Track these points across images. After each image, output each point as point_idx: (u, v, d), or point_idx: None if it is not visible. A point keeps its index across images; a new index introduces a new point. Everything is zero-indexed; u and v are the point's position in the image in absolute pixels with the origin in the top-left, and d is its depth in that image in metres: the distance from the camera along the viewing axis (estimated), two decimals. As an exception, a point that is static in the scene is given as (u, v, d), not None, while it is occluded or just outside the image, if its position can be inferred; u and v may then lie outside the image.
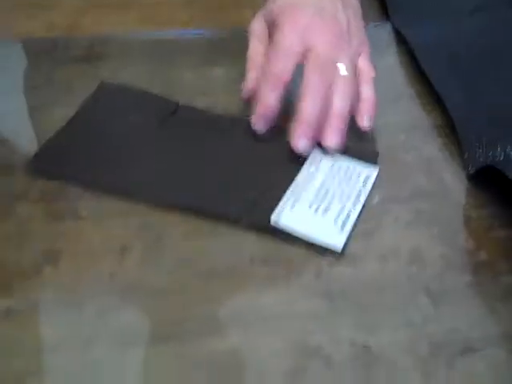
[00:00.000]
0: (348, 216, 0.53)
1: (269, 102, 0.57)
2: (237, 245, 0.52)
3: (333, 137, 0.56)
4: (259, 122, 0.57)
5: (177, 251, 0.51)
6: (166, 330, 0.46)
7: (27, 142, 0.59)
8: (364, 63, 0.62)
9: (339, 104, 0.57)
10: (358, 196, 0.55)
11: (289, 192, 0.54)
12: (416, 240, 0.53)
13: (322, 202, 0.54)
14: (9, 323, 0.46)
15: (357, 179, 0.56)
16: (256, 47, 0.62)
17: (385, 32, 0.74)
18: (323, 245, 0.51)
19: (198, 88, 0.65)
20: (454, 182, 0.57)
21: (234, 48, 0.67)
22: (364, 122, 0.59)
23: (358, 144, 0.59)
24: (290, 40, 0.57)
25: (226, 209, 0.53)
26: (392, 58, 0.71)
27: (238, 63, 0.63)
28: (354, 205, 0.54)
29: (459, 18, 0.72)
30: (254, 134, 0.58)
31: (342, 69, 0.58)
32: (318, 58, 0.57)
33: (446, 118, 0.62)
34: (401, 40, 0.72)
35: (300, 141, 0.56)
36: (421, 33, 0.70)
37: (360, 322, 0.47)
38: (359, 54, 0.61)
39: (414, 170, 0.59)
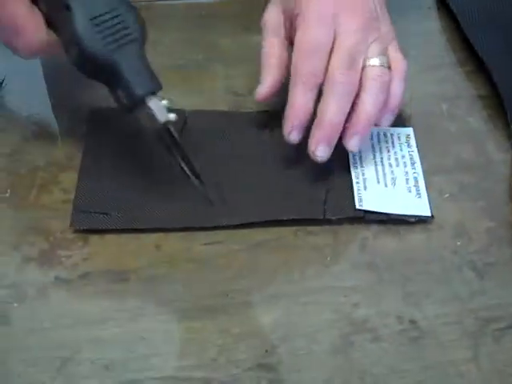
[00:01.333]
0: (416, 181, 0.53)
1: (303, 106, 0.51)
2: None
3: (357, 142, 0.51)
4: (293, 131, 0.51)
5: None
6: (212, 302, 0.47)
7: (66, 108, 0.59)
8: (395, 54, 0.54)
9: (369, 107, 0.51)
10: (411, 158, 0.55)
11: (353, 176, 0.53)
12: (460, 213, 0.53)
13: (385, 174, 0.54)
14: (57, 293, 0.47)
15: (399, 141, 0.56)
16: (272, 42, 0.55)
17: (425, -5, 0.72)
18: (412, 216, 0.51)
19: (236, 55, 0.65)
20: (498, 154, 0.57)
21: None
22: (382, 121, 0.53)
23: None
24: (316, 33, 0.51)
25: (311, 213, 0.51)
26: (433, 22, 0.70)
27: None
28: (414, 168, 0.54)
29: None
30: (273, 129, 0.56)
31: (374, 60, 0.52)
32: (346, 51, 0.51)
33: (490, 88, 0.61)
34: (443, 3, 0.70)
35: (319, 148, 0.50)
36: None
37: (406, 296, 0.47)
38: (389, 43, 0.54)
39: (458, 141, 0.58)
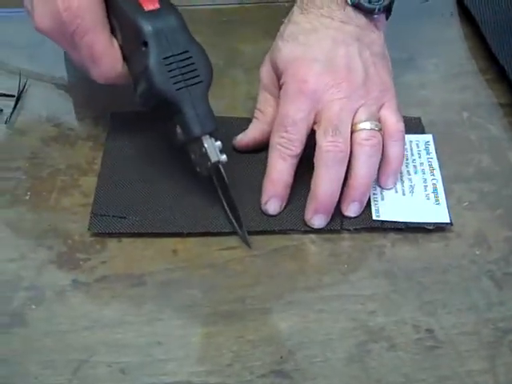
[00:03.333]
0: (435, 187, 0.53)
1: (279, 178, 0.51)
2: (299, 223, 0.51)
3: (355, 208, 0.51)
4: (270, 202, 0.51)
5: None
6: (228, 308, 0.47)
7: (86, 112, 0.59)
8: (388, 115, 0.52)
9: (361, 173, 0.50)
10: (430, 164, 0.55)
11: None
12: (480, 221, 0.52)
13: (403, 182, 0.53)
14: (75, 296, 0.47)
15: (418, 148, 0.56)
16: (264, 98, 0.56)
17: (447, 2, 0.72)
18: (430, 224, 0.51)
19: (257, 61, 0.64)
20: (519, 163, 0.56)
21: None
22: (388, 183, 0.53)
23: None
24: (297, 108, 0.51)
25: (328, 224, 0.51)
26: (455, 30, 0.69)
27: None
28: (433, 174, 0.54)
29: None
30: None
31: (362, 125, 0.50)
32: (330, 119, 0.50)
33: (511, 96, 0.61)
34: (465, 11, 0.70)
35: (315, 217, 0.50)
36: (486, 4, 0.68)
37: (423, 304, 0.47)
38: (381, 106, 0.52)
39: (478, 149, 0.58)
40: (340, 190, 0.50)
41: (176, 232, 0.50)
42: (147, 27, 0.47)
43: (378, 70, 0.53)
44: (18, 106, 0.59)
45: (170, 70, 0.47)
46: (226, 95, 0.62)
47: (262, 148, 0.55)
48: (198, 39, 0.66)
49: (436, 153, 0.55)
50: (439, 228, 0.51)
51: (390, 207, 0.52)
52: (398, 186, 0.53)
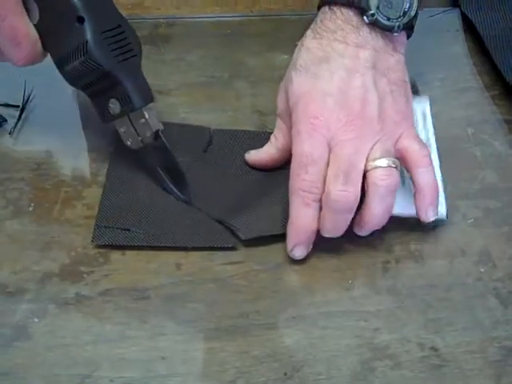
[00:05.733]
0: None
1: (303, 225, 0.49)
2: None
3: (366, 233, 0.50)
4: (296, 249, 0.49)
5: (244, 242, 0.51)
6: (232, 323, 0.46)
7: (91, 123, 0.59)
8: (409, 144, 0.50)
9: (373, 216, 0.48)
10: (427, 141, 0.54)
11: None
12: (485, 239, 0.52)
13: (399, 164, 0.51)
14: (78, 310, 0.47)
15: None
16: (279, 125, 0.54)
17: (453, 18, 0.72)
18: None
19: (261, 74, 0.65)
20: (524, 180, 0.56)
21: (298, 33, 0.66)
22: (428, 215, 0.50)
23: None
24: (312, 145, 0.48)
25: None
26: (460, 46, 0.69)
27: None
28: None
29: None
30: None
31: (377, 162, 0.48)
32: (341, 164, 0.48)
33: (517, 113, 0.61)
34: (470, 27, 0.70)
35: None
36: (491, 20, 0.69)
37: (427, 322, 0.47)
38: (398, 137, 0.50)
39: (483, 165, 0.57)
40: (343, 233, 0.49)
41: (180, 246, 0.50)
42: (83, 3, 0.48)
43: (395, 99, 0.51)
44: (22, 116, 0.59)
45: (109, 44, 0.48)
46: (229, 108, 0.62)
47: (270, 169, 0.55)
48: (202, 52, 0.67)
49: (440, 166, 0.54)
50: (444, 245, 0.51)
51: None
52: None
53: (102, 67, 0.48)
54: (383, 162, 0.48)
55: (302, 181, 0.48)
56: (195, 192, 0.53)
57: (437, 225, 0.52)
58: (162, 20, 0.70)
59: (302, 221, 0.49)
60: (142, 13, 0.71)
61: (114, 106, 0.50)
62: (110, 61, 0.48)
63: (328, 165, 0.48)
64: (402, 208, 0.51)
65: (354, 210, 0.48)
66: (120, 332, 0.46)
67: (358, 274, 0.50)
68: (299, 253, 0.49)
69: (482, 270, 0.50)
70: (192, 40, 0.68)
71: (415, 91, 0.57)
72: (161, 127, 0.52)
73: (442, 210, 0.51)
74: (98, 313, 0.47)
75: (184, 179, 0.53)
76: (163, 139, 0.52)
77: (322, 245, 0.50)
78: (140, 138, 0.51)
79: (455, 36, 0.70)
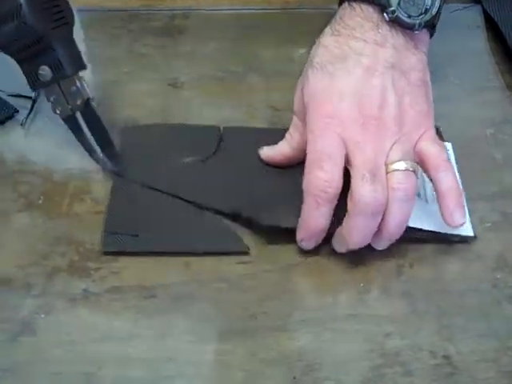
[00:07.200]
0: None
1: (314, 223, 0.47)
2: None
3: (386, 244, 0.48)
4: (304, 242, 0.49)
5: (254, 242, 0.50)
6: (240, 325, 0.46)
7: (102, 116, 0.58)
8: (428, 147, 0.48)
9: (393, 222, 0.46)
10: None
11: None
12: (502, 243, 0.51)
13: (426, 190, 0.51)
14: (85, 306, 0.46)
15: None
16: (295, 123, 0.52)
17: (474, 14, 0.71)
18: (454, 236, 0.50)
19: (277, 68, 0.64)
20: (544, 183, 0.55)
21: (316, 27, 0.65)
22: (455, 219, 0.48)
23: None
24: (327, 142, 0.47)
25: None
26: (481, 43, 0.68)
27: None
28: None
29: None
30: None
31: (395, 165, 0.47)
32: (367, 167, 0.46)
33: (538, 113, 0.59)
34: (491, 24, 0.68)
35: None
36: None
37: (440, 329, 0.46)
38: (418, 139, 0.48)
39: (502, 167, 0.56)
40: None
41: (190, 252, 0.49)
42: None
43: (415, 100, 0.49)
44: (34, 108, 0.58)
45: (43, 10, 0.49)
46: (243, 103, 0.61)
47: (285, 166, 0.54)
48: (217, 44, 0.66)
49: (458, 171, 0.53)
50: (459, 249, 0.50)
51: (414, 213, 0.48)
52: (422, 192, 0.51)
53: (35, 32, 0.48)
54: (401, 166, 0.46)
55: (317, 179, 0.46)
56: (208, 189, 0.52)
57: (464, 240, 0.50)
58: (178, 11, 0.69)
59: (314, 221, 0.48)
60: (158, 4, 0.70)
61: (45, 73, 0.50)
62: (44, 26, 0.49)
63: (344, 164, 0.47)
64: (419, 221, 0.49)
65: (382, 213, 0.46)
66: (127, 330, 0.45)
67: (371, 277, 0.49)
68: (307, 246, 0.49)
69: (498, 276, 0.49)
70: (207, 32, 0.67)
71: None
72: (91, 95, 0.52)
73: (469, 228, 0.50)
74: (105, 310, 0.46)
75: (113, 148, 0.54)
76: (93, 107, 0.53)
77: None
78: (70, 107, 0.52)
79: (476, 33, 0.68)
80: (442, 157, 0.48)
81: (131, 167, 0.54)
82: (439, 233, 0.50)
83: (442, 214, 0.48)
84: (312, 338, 0.45)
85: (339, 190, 0.46)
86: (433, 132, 0.50)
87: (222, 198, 0.52)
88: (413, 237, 0.49)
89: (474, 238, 0.50)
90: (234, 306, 0.47)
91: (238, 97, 0.61)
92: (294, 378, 0.43)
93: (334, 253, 0.49)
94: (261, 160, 0.55)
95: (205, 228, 0.51)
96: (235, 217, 0.51)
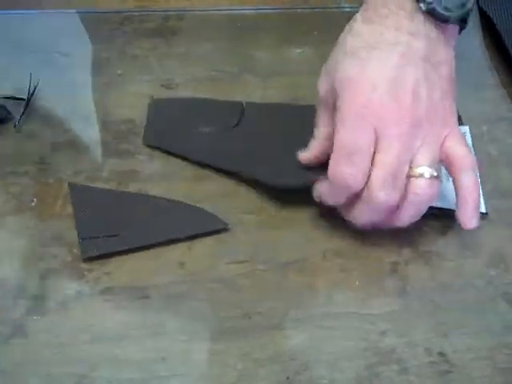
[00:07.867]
0: None
1: (334, 203, 0.48)
2: (310, 237, 0.50)
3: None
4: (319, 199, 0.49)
5: (248, 242, 0.50)
6: (234, 324, 0.45)
7: (95, 118, 0.58)
8: (456, 148, 0.47)
9: (406, 220, 0.47)
10: None
11: None
12: (497, 240, 0.50)
13: (442, 169, 0.49)
14: (78, 307, 0.46)
15: None
16: (322, 115, 0.50)
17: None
18: None
19: (271, 69, 0.63)
20: (540, 180, 0.54)
21: (312, 27, 0.65)
22: (471, 223, 0.47)
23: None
24: (358, 134, 0.45)
25: None
26: (476, 41, 0.67)
27: (317, 44, 0.60)
28: None
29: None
30: None
31: (420, 169, 0.46)
32: (390, 169, 0.45)
33: (534, 111, 0.59)
34: (487, 22, 0.68)
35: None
36: (510, 14, 0.66)
37: (436, 326, 0.46)
38: (444, 137, 0.47)
39: (497, 164, 0.56)
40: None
41: (172, 239, 0.49)
42: None
43: (445, 96, 0.48)
44: (27, 109, 0.58)
45: None
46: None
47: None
48: (211, 45, 0.65)
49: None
50: (454, 246, 0.50)
51: None
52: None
53: None
54: (427, 173, 0.45)
55: (343, 172, 0.45)
56: (230, 154, 0.55)
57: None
58: (171, 12, 0.68)
59: (331, 202, 0.48)
60: (152, 5, 0.69)
61: None
62: None
63: (372, 157, 0.46)
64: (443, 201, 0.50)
65: (392, 209, 0.46)
66: (120, 331, 0.45)
67: (365, 274, 0.48)
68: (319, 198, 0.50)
69: (493, 272, 0.48)
70: (202, 33, 0.67)
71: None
72: None
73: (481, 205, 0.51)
74: (98, 311, 0.46)
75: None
76: None
77: (327, 244, 0.49)
78: None
79: (471, 30, 0.68)
80: (468, 160, 0.47)
81: (160, 135, 0.57)
82: (452, 210, 0.48)
83: (459, 216, 0.47)
84: (306, 337, 0.45)
85: (363, 185, 0.45)
86: (458, 130, 0.48)
87: (242, 163, 0.54)
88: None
89: (486, 214, 0.51)
90: (228, 305, 0.46)
91: (232, 97, 0.60)
92: (288, 378, 0.43)
93: (328, 252, 0.49)
94: (281, 131, 0.56)
95: (182, 215, 0.51)
96: (251, 177, 0.53)
